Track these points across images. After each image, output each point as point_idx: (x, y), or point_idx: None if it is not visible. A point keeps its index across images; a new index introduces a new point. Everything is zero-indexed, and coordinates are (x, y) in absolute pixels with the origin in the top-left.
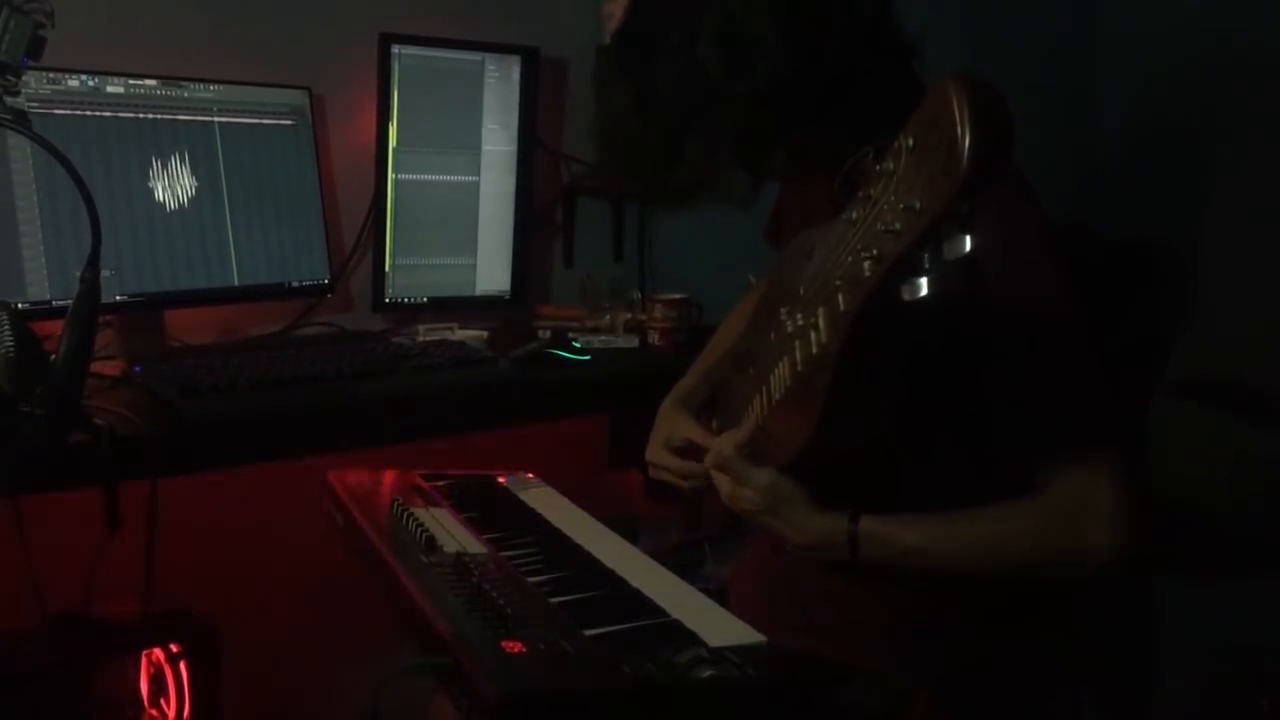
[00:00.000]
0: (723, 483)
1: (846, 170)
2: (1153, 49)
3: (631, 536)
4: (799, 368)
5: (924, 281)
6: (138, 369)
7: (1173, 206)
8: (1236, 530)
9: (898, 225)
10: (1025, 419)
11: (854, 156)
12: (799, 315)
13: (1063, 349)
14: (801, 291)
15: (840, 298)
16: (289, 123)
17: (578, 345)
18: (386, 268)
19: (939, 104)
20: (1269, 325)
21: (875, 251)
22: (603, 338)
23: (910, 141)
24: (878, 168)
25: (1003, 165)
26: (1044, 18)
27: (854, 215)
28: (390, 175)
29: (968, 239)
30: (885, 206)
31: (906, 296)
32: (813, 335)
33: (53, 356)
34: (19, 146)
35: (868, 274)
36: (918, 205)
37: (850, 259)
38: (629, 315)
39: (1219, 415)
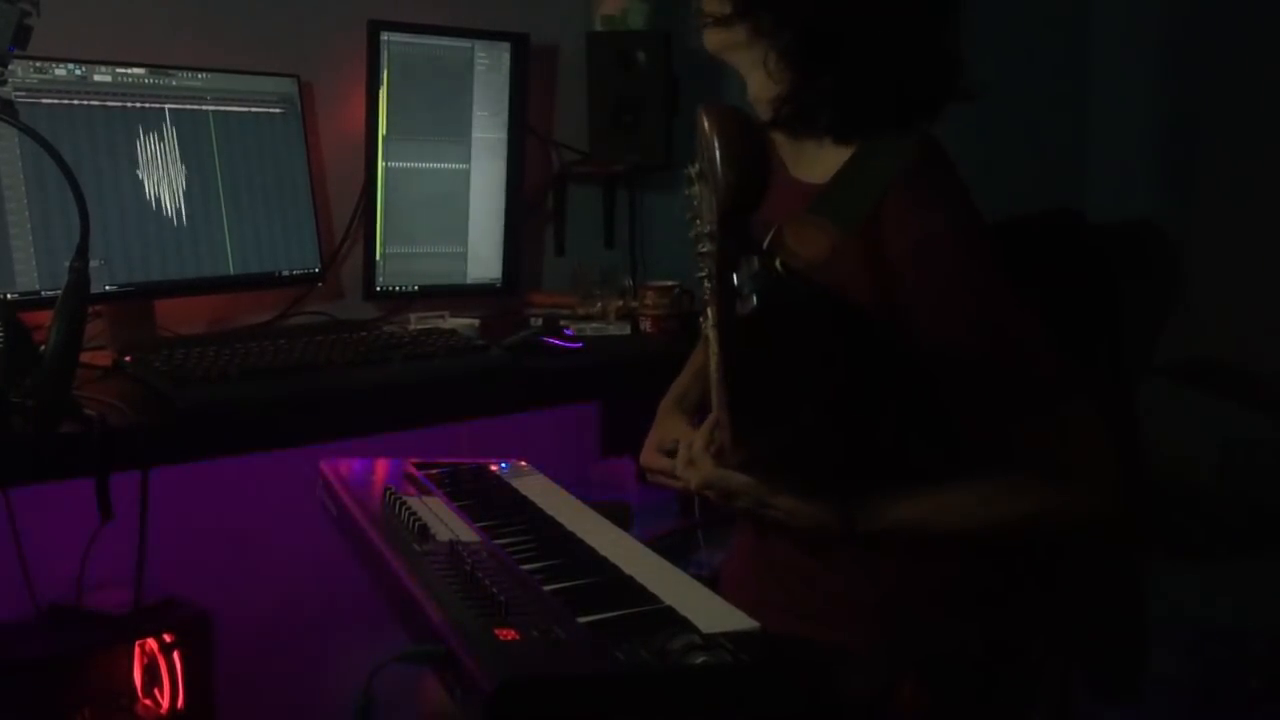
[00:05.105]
0: (713, 492)
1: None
2: (1144, 35)
3: (624, 523)
4: (713, 373)
5: (744, 298)
6: (128, 359)
7: (1163, 192)
8: (1225, 513)
9: (704, 248)
10: (981, 397)
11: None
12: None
13: (997, 319)
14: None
15: (709, 310)
16: (278, 111)
17: (569, 333)
18: (377, 256)
19: (700, 134)
20: (1257, 310)
21: (706, 271)
22: (594, 325)
23: (695, 169)
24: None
25: (764, 181)
26: (1037, 6)
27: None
28: (380, 163)
29: (755, 260)
30: (702, 231)
31: (740, 312)
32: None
33: (42, 347)
34: (6, 136)
35: (707, 296)
36: (708, 229)
37: (702, 275)
38: (621, 302)
39: (1207, 398)
